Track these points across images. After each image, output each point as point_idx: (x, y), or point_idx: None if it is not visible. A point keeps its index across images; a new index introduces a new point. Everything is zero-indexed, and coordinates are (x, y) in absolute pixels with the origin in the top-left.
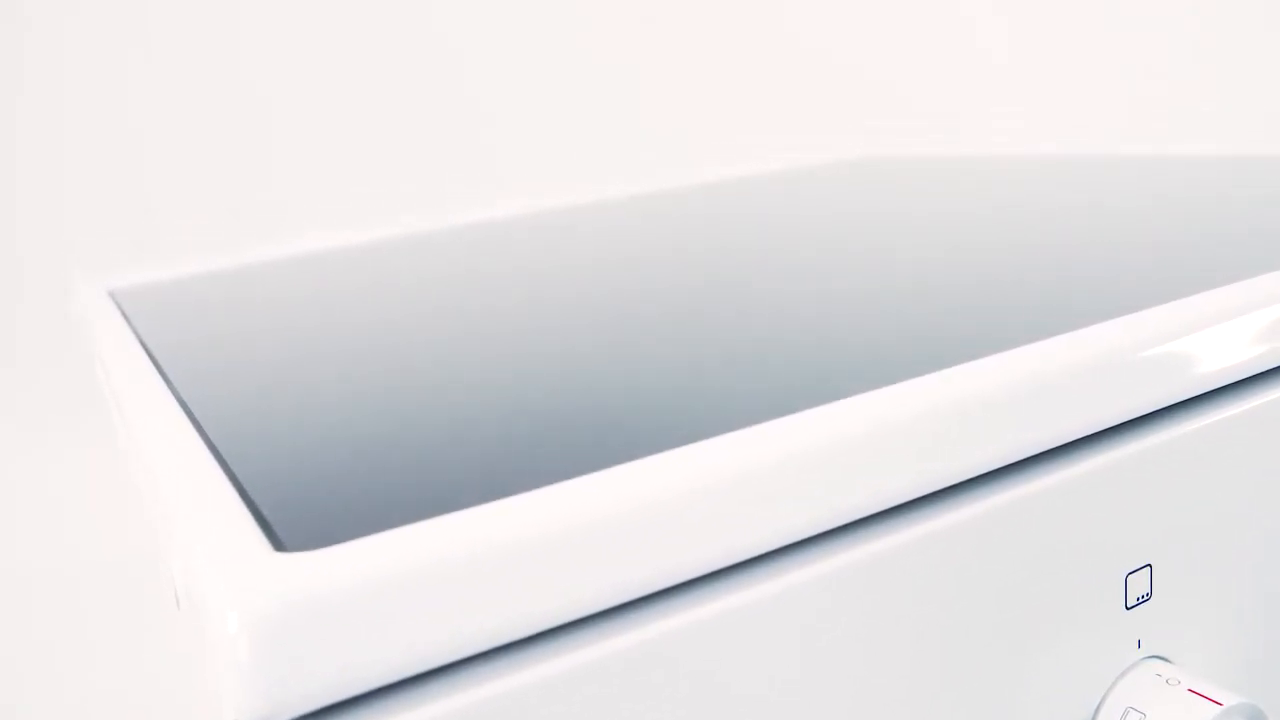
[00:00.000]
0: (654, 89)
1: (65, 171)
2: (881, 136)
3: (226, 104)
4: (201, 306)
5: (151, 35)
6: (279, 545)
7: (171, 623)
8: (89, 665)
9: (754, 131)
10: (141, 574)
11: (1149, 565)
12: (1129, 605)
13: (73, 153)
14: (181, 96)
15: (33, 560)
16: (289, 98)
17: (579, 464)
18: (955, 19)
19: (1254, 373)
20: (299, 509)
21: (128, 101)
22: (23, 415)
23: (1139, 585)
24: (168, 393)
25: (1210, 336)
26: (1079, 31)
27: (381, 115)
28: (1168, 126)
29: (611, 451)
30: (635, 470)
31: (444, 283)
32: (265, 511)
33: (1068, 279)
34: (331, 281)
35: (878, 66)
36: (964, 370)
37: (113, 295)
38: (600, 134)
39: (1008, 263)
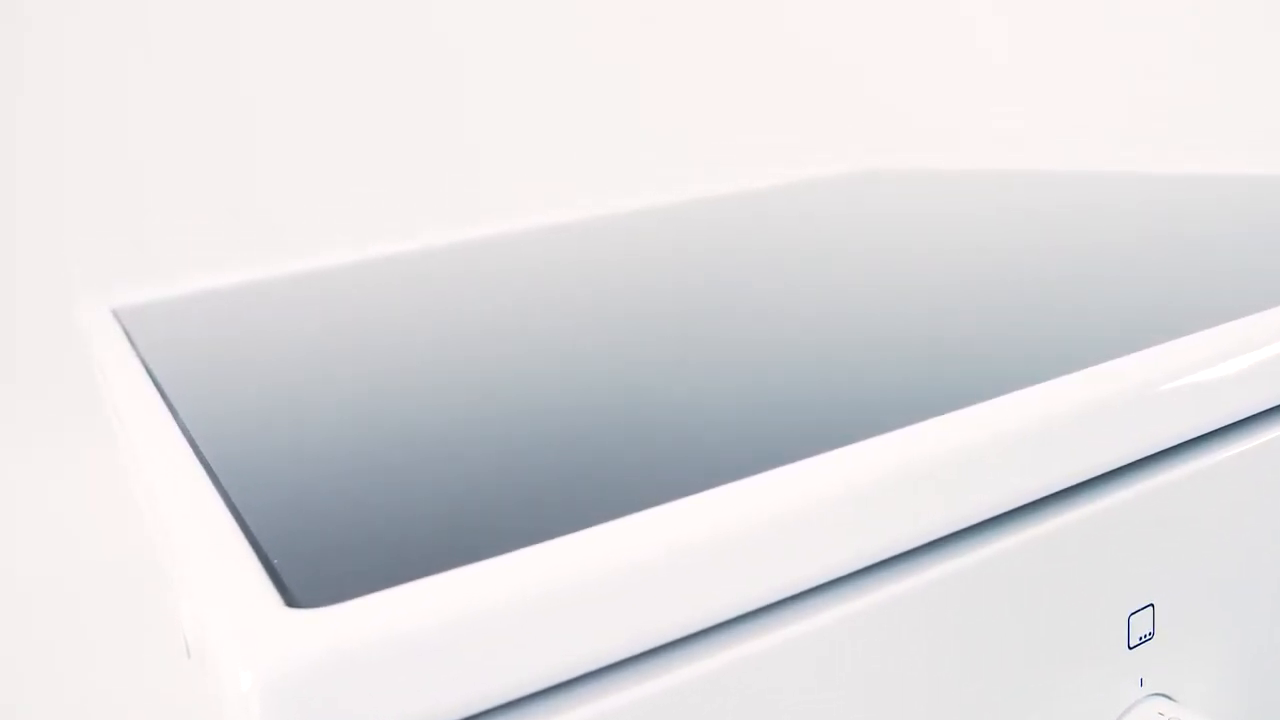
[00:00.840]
0: (655, 102)
1: (69, 184)
2: (884, 145)
3: (229, 117)
4: (207, 328)
5: (154, 46)
6: (291, 600)
7: (181, 669)
8: (89, 669)
9: (754, 141)
10: (141, 575)
11: (1151, 605)
12: (1131, 645)
13: (76, 163)
14: (183, 108)
15: (33, 566)
16: (286, 106)
17: (595, 509)
18: (955, 25)
19: (1253, 412)
20: (310, 558)
21: (131, 113)
22: (24, 420)
23: (1141, 625)
24: (175, 428)
25: (1211, 377)
26: (1079, 35)
27: (384, 132)
28: (1168, 127)
29: (629, 493)
30: (649, 520)
31: (455, 307)
32: (276, 562)
33: (1070, 304)
34: (338, 303)
35: (879, 75)
36: (966, 416)
37: (116, 314)
38: (598, 147)
39: (1006, 289)
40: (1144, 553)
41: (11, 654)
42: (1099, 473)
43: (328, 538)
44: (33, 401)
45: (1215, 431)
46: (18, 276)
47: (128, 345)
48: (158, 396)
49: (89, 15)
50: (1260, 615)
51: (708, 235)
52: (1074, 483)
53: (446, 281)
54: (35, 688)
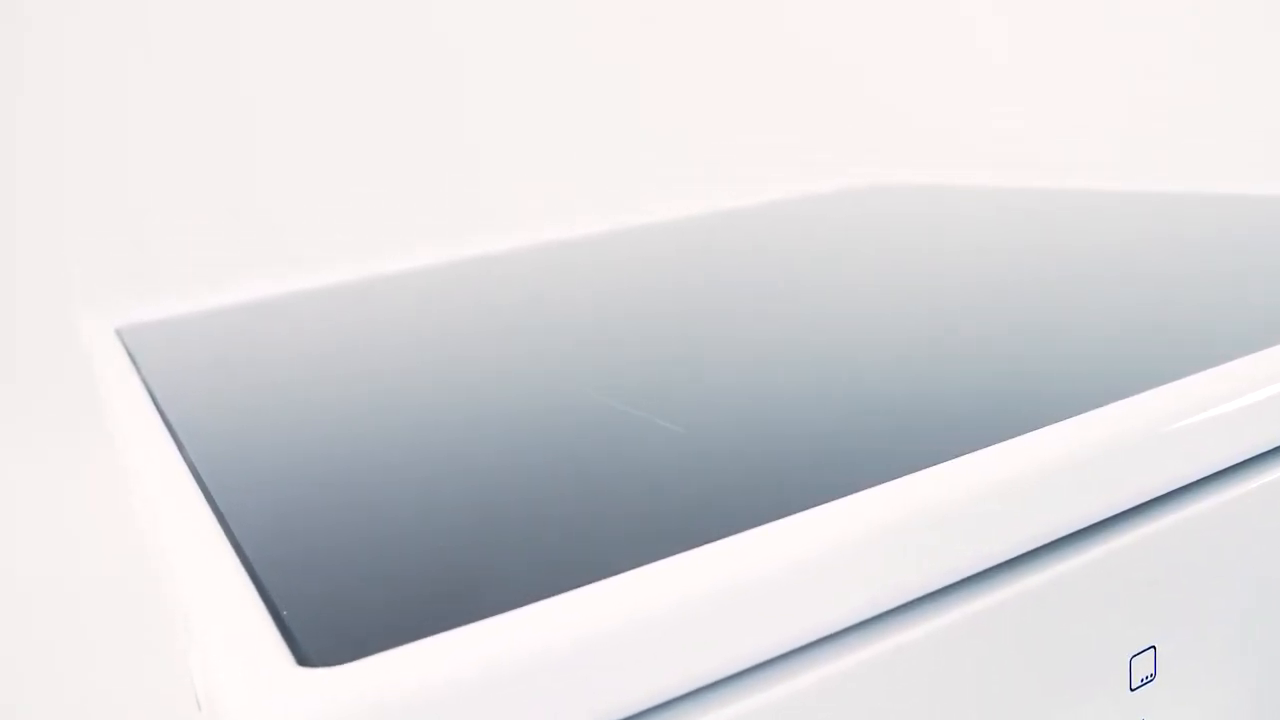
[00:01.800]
0: (658, 112)
1: (73, 198)
2: (889, 152)
3: (229, 125)
4: (212, 350)
5: (156, 56)
6: (302, 657)
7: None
8: (90, 676)
9: (758, 144)
10: (141, 587)
11: (1153, 647)
12: (1133, 687)
13: (79, 175)
14: (185, 120)
15: (35, 571)
16: (284, 115)
17: (613, 555)
18: (957, 29)
19: (1254, 454)
20: (321, 609)
21: (132, 120)
22: (28, 426)
23: (1143, 666)
24: (183, 466)
25: (1212, 420)
26: (1081, 38)
27: (386, 140)
28: (1169, 130)
29: (648, 535)
30: (662, 571)
31: (464, 332)
32: (286, 614)
33: (1065, 338)
34: (349, 323)
35: (880, 81)
36: (970, 463)
37: (120, 334)
38: (601, 155)
39: (1002, 324)
40: (1145, 595)
41: (12, 656)
42: (1101, 518)
43: (340, 587)
44: (37, 409)
45: (1216, 474)
46: (20, 285)
47: (132, 369)
48: (163, 429)
49: (91, 25)
50: (1262, 657)
51: (707, 252)
52: (1076, 529)
53: (459, 304)
54: (35, 691)
